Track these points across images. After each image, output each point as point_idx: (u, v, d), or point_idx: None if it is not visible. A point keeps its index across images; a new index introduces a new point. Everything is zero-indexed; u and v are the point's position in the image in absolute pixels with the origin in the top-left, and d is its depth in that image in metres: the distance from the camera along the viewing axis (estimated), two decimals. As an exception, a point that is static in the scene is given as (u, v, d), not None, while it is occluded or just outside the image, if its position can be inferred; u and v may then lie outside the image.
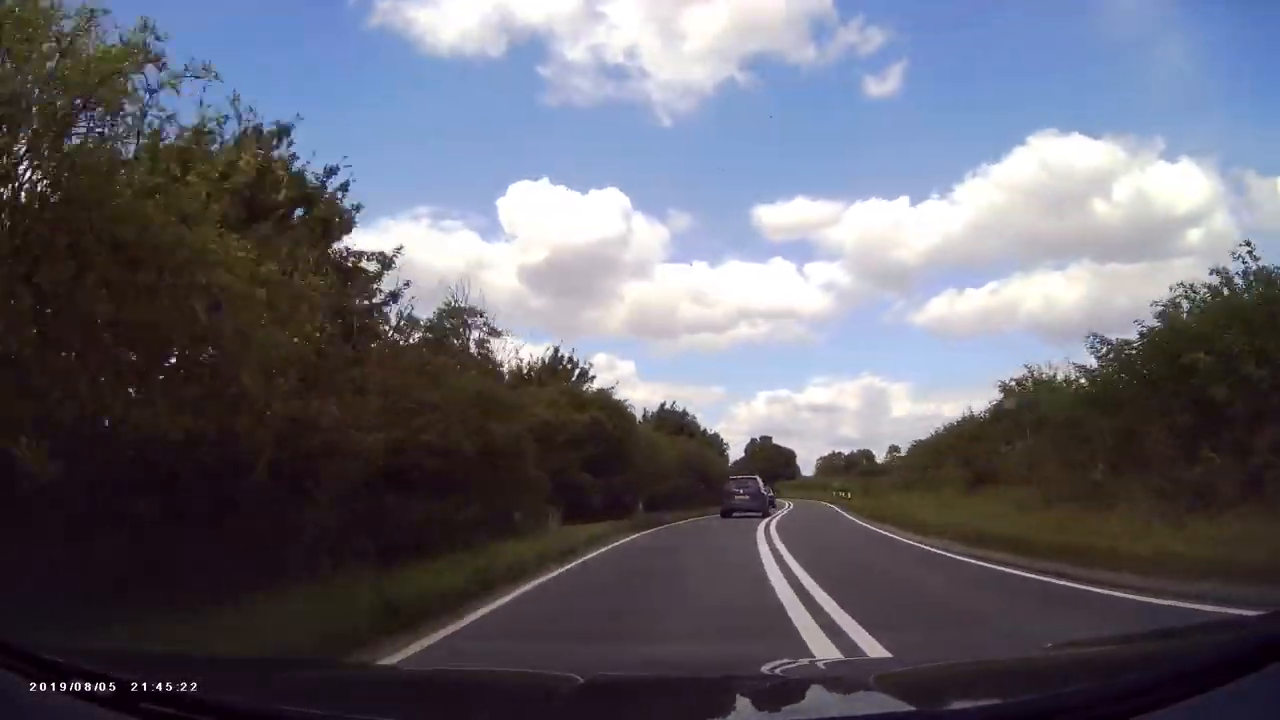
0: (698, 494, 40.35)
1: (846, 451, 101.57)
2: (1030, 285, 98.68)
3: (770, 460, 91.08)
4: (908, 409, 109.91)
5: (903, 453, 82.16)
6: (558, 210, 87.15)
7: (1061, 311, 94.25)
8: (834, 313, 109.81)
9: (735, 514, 29.82)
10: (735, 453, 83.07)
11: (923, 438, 42.21)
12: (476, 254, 77.50)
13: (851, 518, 31.81)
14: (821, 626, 6.83)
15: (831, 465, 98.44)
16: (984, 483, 25.54)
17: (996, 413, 28.18)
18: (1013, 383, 27.09)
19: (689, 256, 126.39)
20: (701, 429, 60.21)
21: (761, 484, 34.73)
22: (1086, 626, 6.19)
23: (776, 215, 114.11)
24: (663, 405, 55.90)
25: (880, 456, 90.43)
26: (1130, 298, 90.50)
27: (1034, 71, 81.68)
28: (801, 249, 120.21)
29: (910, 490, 33.22)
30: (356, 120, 66.53)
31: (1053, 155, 78.76)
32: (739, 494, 31.45)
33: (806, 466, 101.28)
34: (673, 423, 53.51)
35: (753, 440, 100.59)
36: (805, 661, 2.70)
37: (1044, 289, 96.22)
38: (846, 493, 53.84)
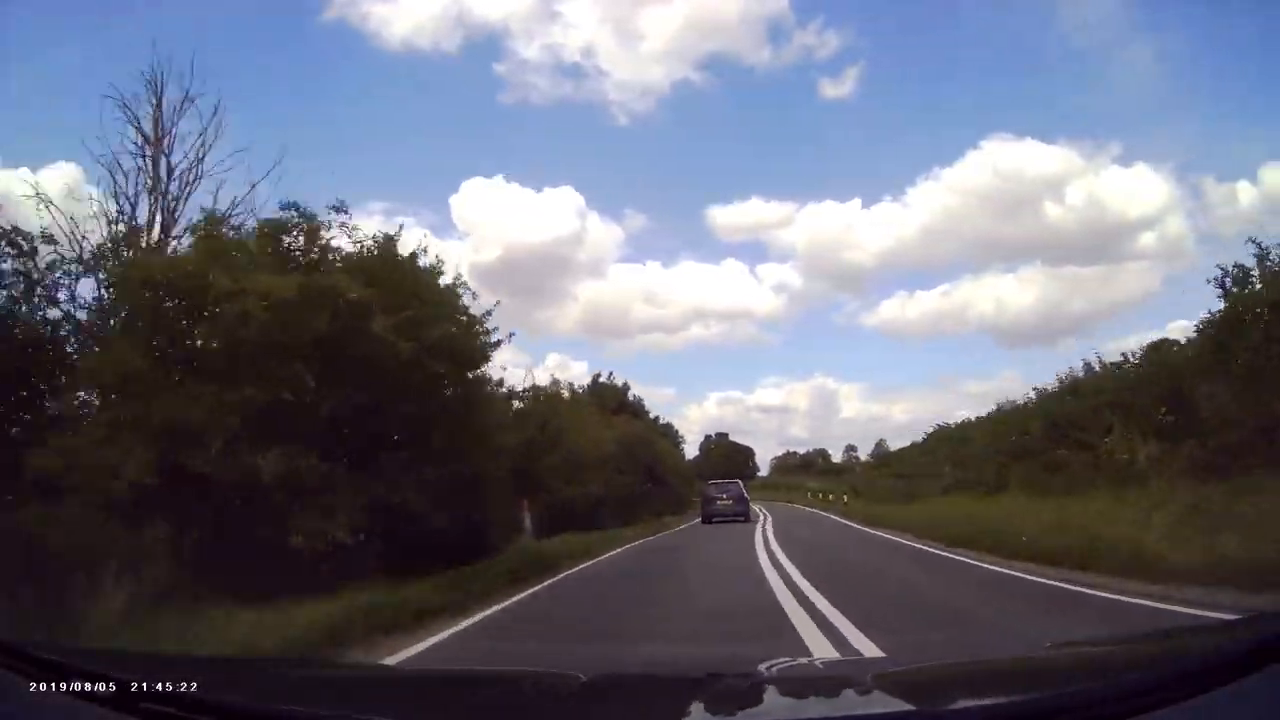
0: (645, 499, 31.97)
1: (801, 451, 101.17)
2: (982, 288, 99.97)
3: (728, 458, 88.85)
4: (858, 409, 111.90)
5: (860, 453, 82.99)
6: (512, 208, 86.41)
7: (1013, 314, 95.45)
8: (786, 314, 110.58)
9: (715, 519, 29.11)
10: (690, 450, 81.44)
11: (882, 436, 41.15)
12: (430, 251, 75.87)
13: (925, 549, 15.05)
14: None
15: (786, 465, 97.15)
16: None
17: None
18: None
19: (643, 256, 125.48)
20: (652, 415, 51.50)
21: (743, 487, 33.55)
22: None
23: (730, 216, 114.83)
24: (596, 376, 45.09)
25: (836, 456, 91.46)
26: (1083, 300, 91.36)
27: (989, 77, 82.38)
28: (755, 250, 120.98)
29: (921, 493, 27.95)
30: (309, 113, 66.23)
31: (1006, 159, 79.51)
32: (721, 498, 30.66)
33: (761, 466, 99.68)
34: (611, 398, 42.00)
35: (708, 437, 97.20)
36: (803, 661, 2.69)
37: (995, 291, 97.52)
38: (831, 495, 46.07)
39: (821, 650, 5.77)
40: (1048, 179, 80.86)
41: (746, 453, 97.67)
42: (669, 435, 54.65)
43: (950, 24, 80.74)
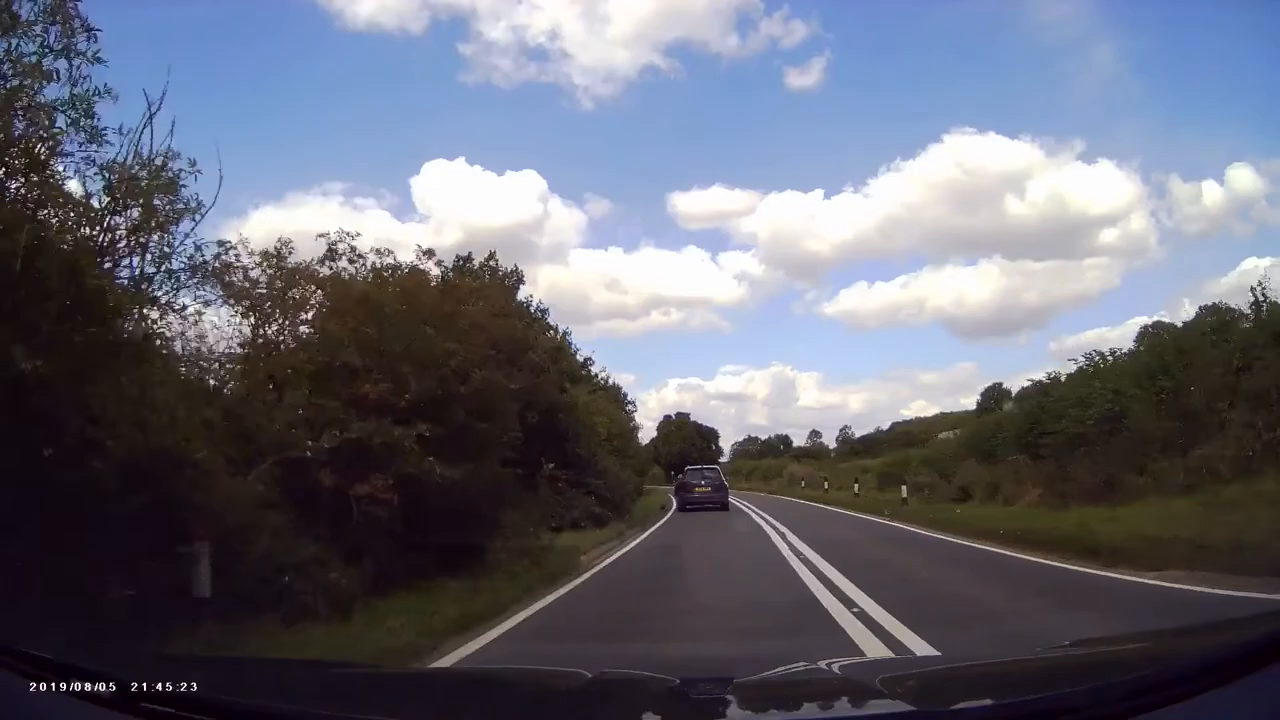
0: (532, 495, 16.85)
1: (763, 436, 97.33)
2: (940, 280, 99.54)
3: (688, 442, 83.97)
4: (816, 398, 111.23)
5: (827, 440, 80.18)
6: (473, 191, 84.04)
7: (971, 307, 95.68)
8: (746, 302, 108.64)
9: (690, 507, 28.44)
10: (647, 433, 76.09)
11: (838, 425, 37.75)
12: (389, 234, 75.07)
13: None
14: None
15: (747, 451, 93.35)
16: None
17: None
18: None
19: (605, 242, 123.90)
20: (597, 373, 33.95)
21: (722, 474, 32.79)
22: None
23: (693, 203, 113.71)
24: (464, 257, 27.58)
25: (799, 441, 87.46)
26: (1041, 295, 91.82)
27: (954, 70, 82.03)
28: (716, 238, 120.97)
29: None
30: (270, 90, 65.03)
31: (969, 153, 79.24)
32: (699, 485, 30.18)
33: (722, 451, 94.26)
34: (497, 295, 19.76)
35: (667, 418, 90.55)
36: (810, 664, 2.69)
37: (954, 284, 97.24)
38: (846, 486, 36.22)
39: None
40: (1010, 174, 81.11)
41: (710, 435, 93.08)
42: (617, 397, 38.02)
43: (916, 16, 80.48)
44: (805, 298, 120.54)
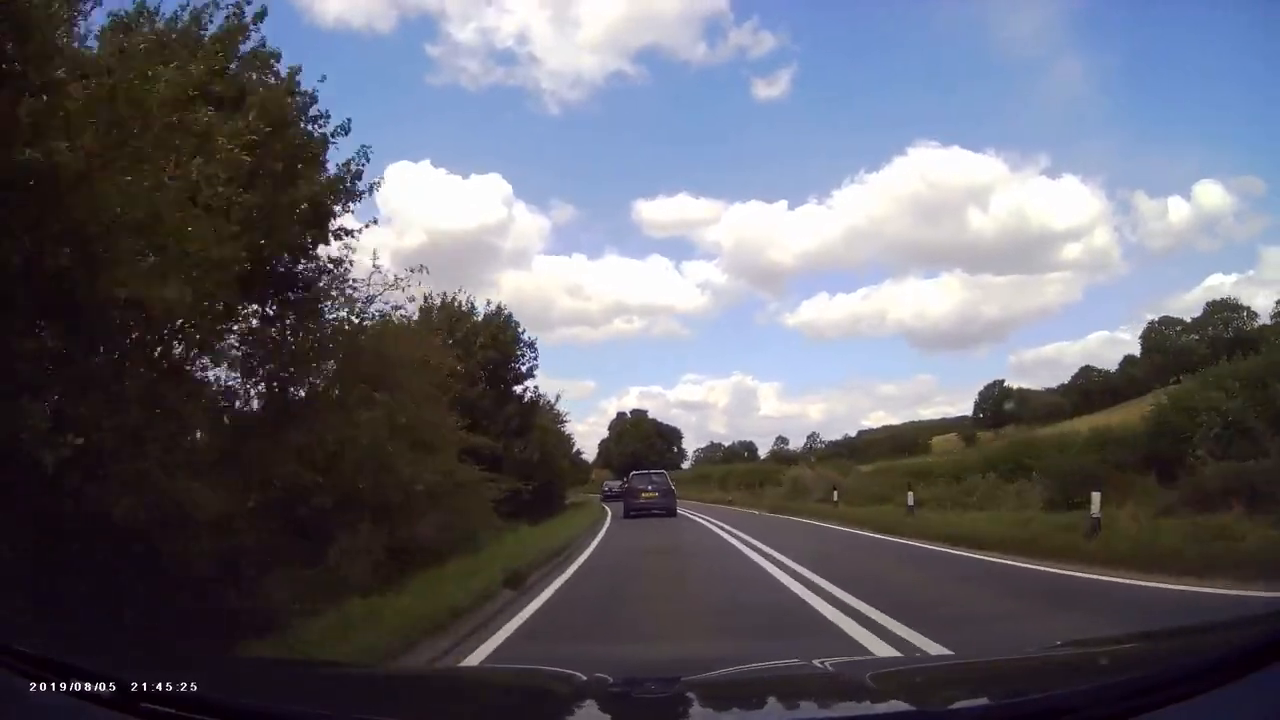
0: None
1: (726, 444, 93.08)
2: (901, 292, 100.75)
3: (646, 443, 76.69)
4: (776, 407, 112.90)
5: (794, 446, 73.14)
6: (438, 194, 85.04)
7: (931, 319, 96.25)
8: (708, 311, 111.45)
9: (635, 514, 27.14)
10: (599, 437, 75.00)
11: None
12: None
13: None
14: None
15: (710, 458, 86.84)
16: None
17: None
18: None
19: (568, 249, 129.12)
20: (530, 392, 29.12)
21: (669, 479, 30.70)
22: None
23: (658, 211, 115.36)
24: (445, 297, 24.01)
25: (762, 451, 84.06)
26: (1001, 308, 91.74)
27: (920, 84, 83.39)
28: (680, 247, 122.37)
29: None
30: None
31: (932, 166, 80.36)
32: (645, 490, 28.62)
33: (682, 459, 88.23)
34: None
35: (621, 415, 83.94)
36: (805, 661, 2.68)
37: (914, 296, 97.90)
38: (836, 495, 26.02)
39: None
40: (973, 187, 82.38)
41: (671, 435, 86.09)
42: (545, 411, 31.43)
43: (883, 30, 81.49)
44: (767, 308, 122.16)
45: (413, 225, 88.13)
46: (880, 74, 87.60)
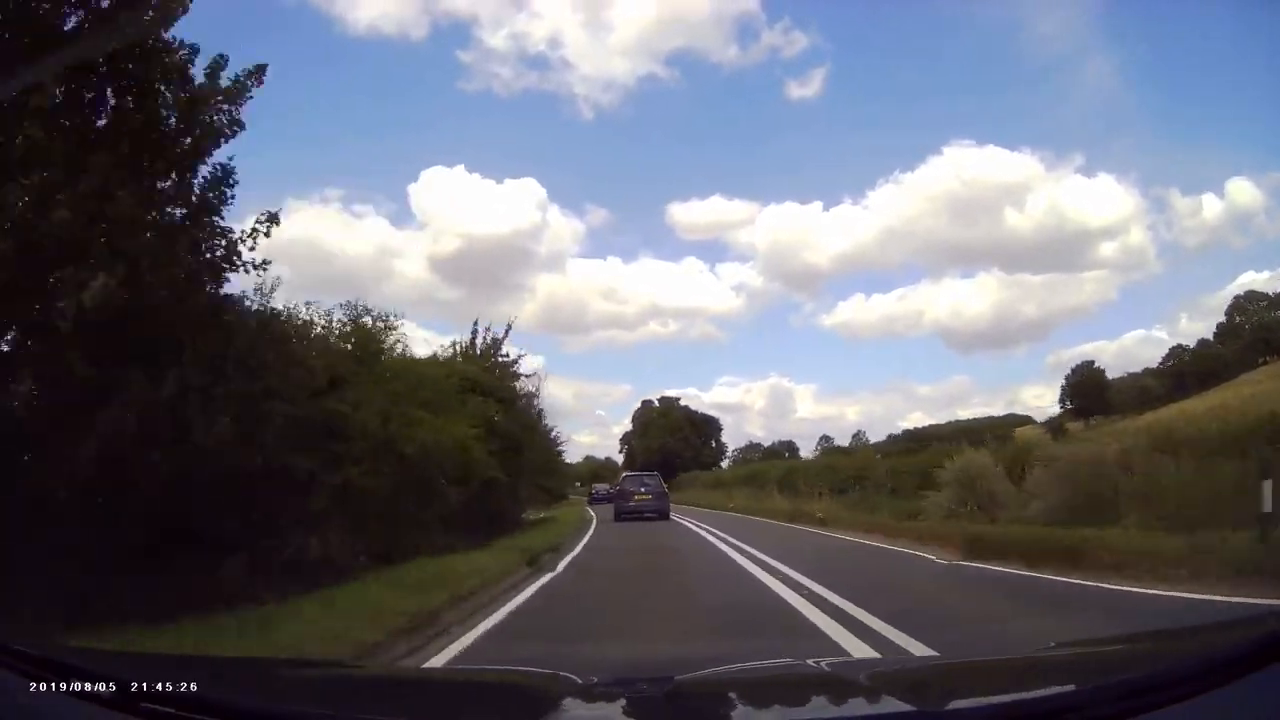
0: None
1: (766, 443, 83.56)
2: (938, 292, 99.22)
3: (677, 435, 63.76)
4: (812, 409, 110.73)
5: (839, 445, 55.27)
6: (472, 198, 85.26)
7: (967, 319, 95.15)
8: (744, 313, 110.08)
9: (626, 516, 26.19)
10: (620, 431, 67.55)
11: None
12: (386, 241, 74.18)
13: None
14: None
15: (748, 458, 75.25)
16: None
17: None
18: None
19: (603, 252, 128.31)
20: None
21: (662, 482, 29.78)
22: None
23: (691, 214, 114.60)
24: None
25: (804, 451, 71.56)
26: (1038, 307, 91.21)
27: (954, 83, 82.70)
28: (714, 249, 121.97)
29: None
30: (267, 94, 65.04)
31: (968, 165, 79.01)
32: (639, 492, 27.52)
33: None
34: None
35: (646, 404, 70.55)
36: (799, 660, 2.68)
37: (951, 296, 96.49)
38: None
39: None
40: (1009, 186, 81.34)
41: (708, 428, 71.14)
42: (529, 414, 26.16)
43: (917, 28, 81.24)
44: (803, 309, 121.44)
45: (447, 230, 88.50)
46: (914, 72, 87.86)
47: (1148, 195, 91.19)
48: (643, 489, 27.98)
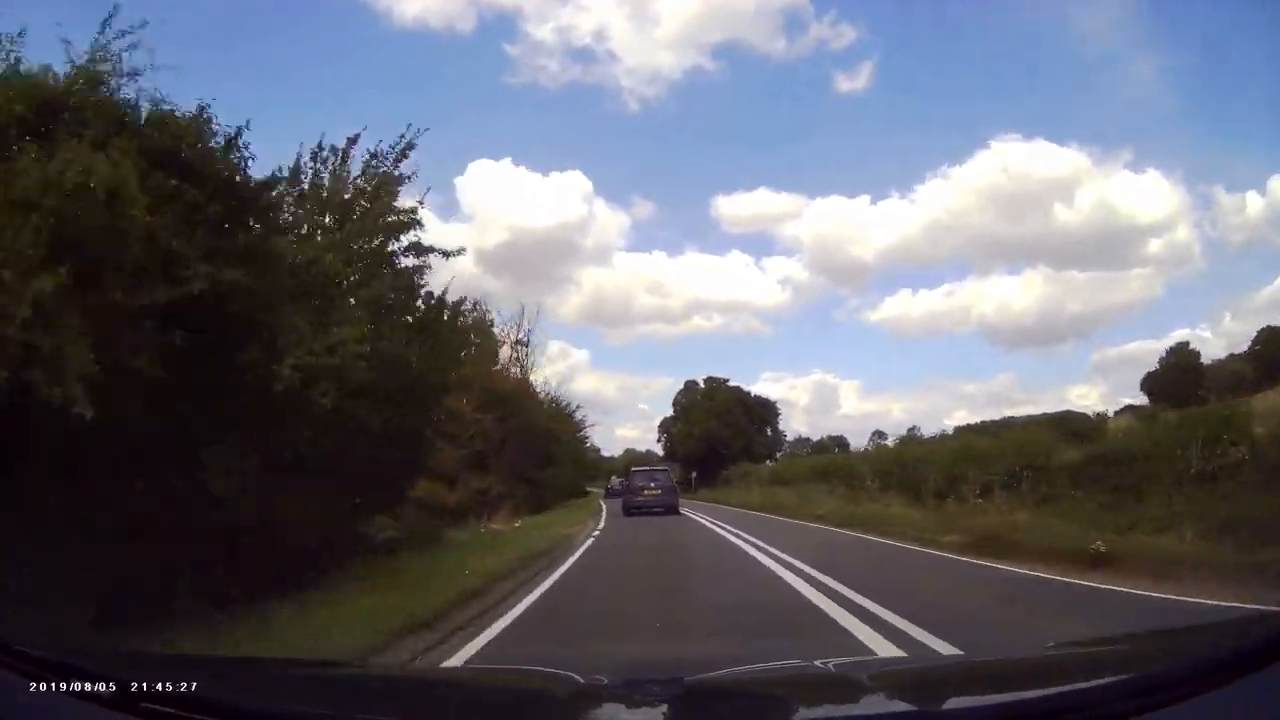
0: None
1: (815, 438, 74.48)
2: (985, 288, 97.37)
3: (725, 420, 53.33)
4: (856, 406, 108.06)
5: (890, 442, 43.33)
6: (518, 191, 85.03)
7: (1014, 315, 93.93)
8: (788, 307, 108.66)
9: (635, 510, 25.92)
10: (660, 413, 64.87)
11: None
12: (433, 233, 73.83)
13: None
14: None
15: (796, 453, 64.90)
16: None
17: None
18: None
19: (649, 246, 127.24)
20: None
21: (671, 476, 29.35)
22: None
23: (737, 207, 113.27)
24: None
25: (856, 443, 58.90)
26: (1084, 304, 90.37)
27: (1002, 77, 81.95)
28: (760, 242, 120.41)
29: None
30: (315, 86, 66.95)
31: (1015, 160, 77.76)
32: (647, 487, 27.15)
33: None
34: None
35: (690, 385, 59.82)
36: (805, 661, 2.68)
37: (998, 292, 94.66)
38: None
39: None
40: (1057, 181, 79.88)
41: (763, 412, 58.69)
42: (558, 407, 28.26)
43: (965, 21, 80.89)
44: (848, 304, 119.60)
45: (494, 223, 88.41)
46: (962, 66, 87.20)
47: (1193, 192, 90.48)
48: (652, 484, 27.79)
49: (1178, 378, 60.33)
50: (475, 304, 23.62)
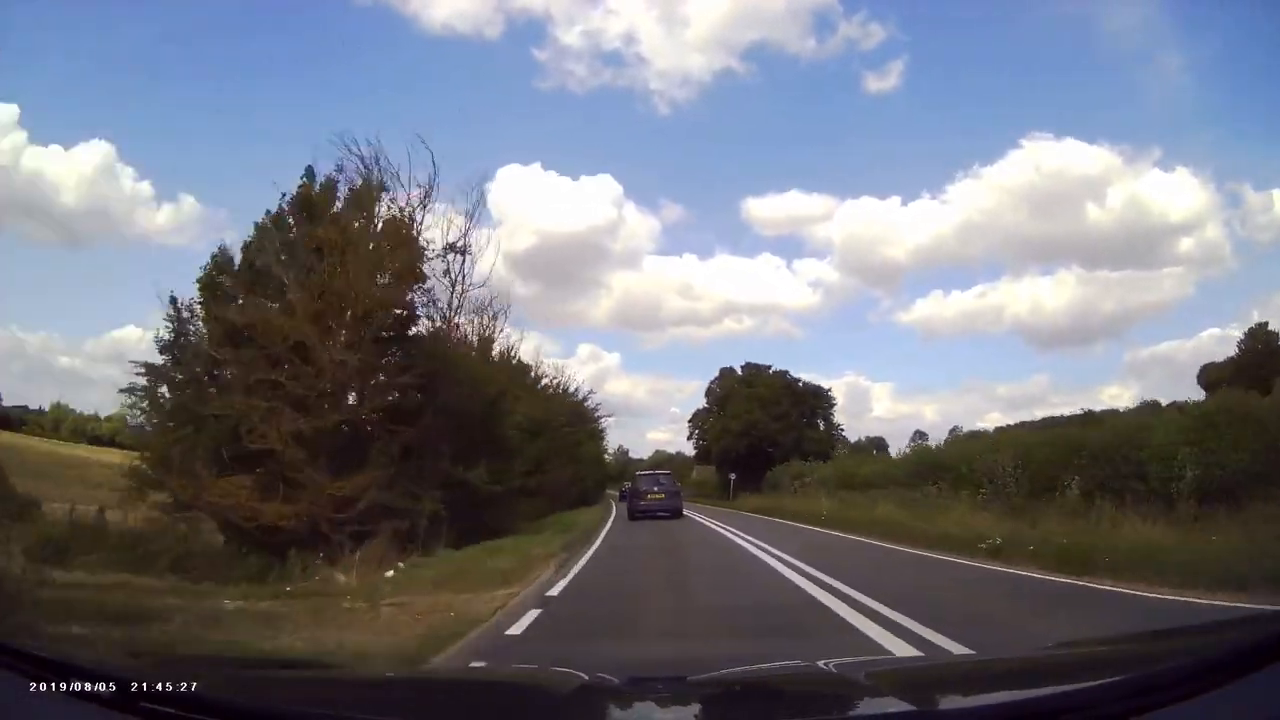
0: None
1: (851, 439, 60.52)
2: (1018, 289, 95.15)
3: (772, 411, 44.79)
4: (889, 408, 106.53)
5: (933, 443, 36.03)
6: (548, 196, 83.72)
7: (1047, 316, 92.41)
8: (820, 309, 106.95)
9: (640, 515, 25.92)
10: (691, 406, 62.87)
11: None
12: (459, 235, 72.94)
13: None
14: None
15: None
16: None
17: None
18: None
19: (679, 249, 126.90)
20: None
21: (676, 480, 29.01)
22: None
23: (768, 209, 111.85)
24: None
25: (893, 449, 48.67)
26: (1117, 304, 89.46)
27: (1032, 75, 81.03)
28: (791, 244, 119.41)
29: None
30: (345, 93, 66.36)
31: (1046, 159, 76.33)
32: (652, 491, 27.09)
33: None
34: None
35: (727, 371, 51.73)
36: (809, 662, 2.68)
37: (1031, 293, 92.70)
38: None
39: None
40: (1088, 180, 78.13)
41: (815, 401, 49.09)
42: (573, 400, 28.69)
43: (994, 20, 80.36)
44: (880, 306, 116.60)
45: (523, 227, 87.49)
46: (992, 65, 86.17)
47: (1222, 190, 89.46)
48: (656, 488, 27.71)
49: (1263, 360, 50.59)
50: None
